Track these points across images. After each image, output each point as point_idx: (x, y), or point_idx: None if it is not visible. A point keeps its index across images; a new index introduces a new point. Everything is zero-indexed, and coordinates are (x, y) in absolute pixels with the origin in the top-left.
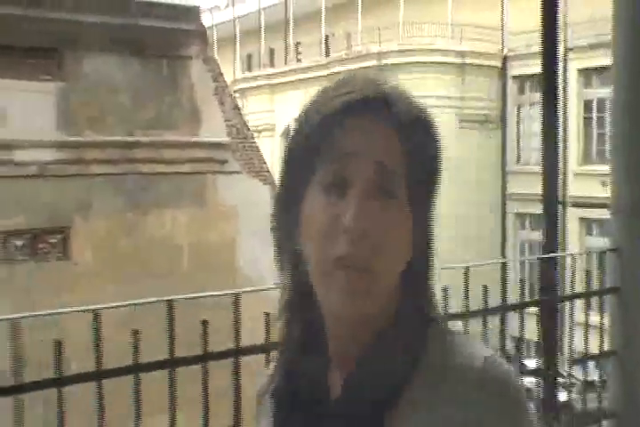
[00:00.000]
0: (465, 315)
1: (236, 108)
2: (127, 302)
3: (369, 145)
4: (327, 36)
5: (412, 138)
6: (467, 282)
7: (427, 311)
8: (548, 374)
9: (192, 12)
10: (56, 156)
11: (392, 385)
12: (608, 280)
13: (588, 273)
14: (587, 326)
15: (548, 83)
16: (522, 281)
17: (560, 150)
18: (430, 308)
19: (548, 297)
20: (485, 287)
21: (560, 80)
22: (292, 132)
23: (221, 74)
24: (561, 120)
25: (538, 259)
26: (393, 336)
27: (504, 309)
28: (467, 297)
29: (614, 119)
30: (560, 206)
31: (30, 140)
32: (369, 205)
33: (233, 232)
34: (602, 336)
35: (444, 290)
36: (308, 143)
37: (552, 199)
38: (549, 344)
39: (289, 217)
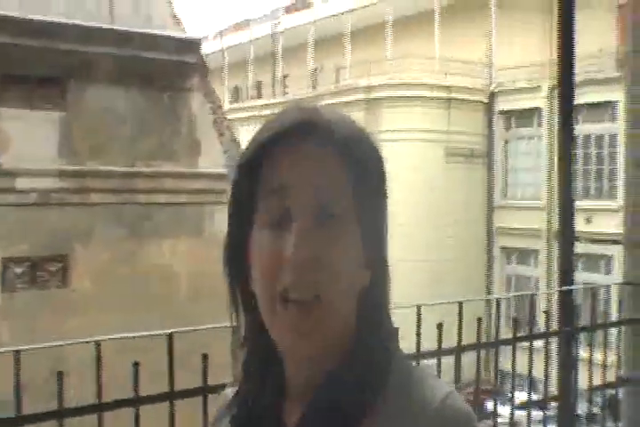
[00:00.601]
0: (459, 349)
1: (234, 139)
2: (132, 334)
3: (304, 172)
4: (315, 69)
5: (350, 154)
6: (460, 317)
7: (386, 344)
8: (567, 406)
9: (193, 45)
10: (58, 184)
11: (348, 421)
12: (614, 312)
13: (593, 307)
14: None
15: (564, 118)
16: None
17: (547, 185)
18: (390, 340)
19: (568, 328)
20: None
21: (546, 116)
22: (234, 172)
23: (220, 106)
24: (548, 156)
25: (558, 291)
26: (349, 371)
27: (497, 343)
28: (460, 332)
29: (632, 159)
30: (545, 242)
31: (32, 168)
32: (311, 233)
33: None
34: (597, 370)
35: (440, 326)
36: (246, 180)
37: (568, 233)
38: (566, 376)
39: (237, 258)
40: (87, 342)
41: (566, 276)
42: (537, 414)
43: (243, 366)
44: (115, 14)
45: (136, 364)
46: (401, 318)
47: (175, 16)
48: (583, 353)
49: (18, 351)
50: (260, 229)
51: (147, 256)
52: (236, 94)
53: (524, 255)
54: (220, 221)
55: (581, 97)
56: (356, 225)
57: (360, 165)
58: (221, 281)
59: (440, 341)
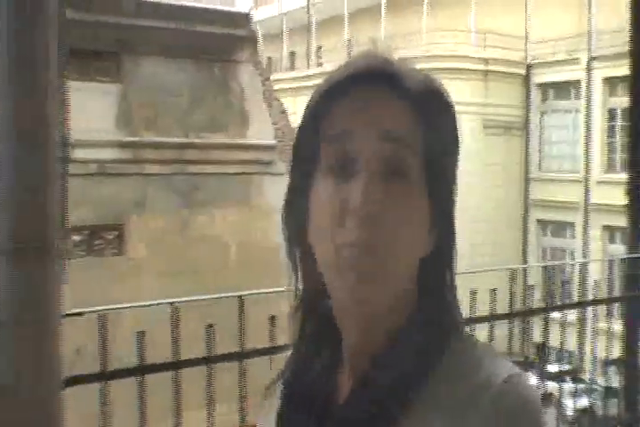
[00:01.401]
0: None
1: (283, 111)
2: (204, 297)
3: (374, 118)
4: (349, 41)
5: (426, 109)
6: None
7: (446, 316)
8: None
9: (245, 18)
10: (114, 155)
11: (402, 394)
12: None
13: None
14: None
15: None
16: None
17: (584, 158)
18: (451, 312)
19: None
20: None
21: (584, 89)
22: (300, 118)
23: (269, 78)
24: (584, 128)
25: (623, 259)
26: (407, 341)
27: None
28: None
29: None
30: (582, 214)
31: (90, 139)
32: (377, 185)
33: (277, 231)
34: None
35: (473, 293)
36: (311, 125)
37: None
38: (633, 342)
39: (298, 208)
40: (159, 305)
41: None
42: (570, 386)
43: (298, 329)
44: None
45: (210, 326)
46: None
47: None
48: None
49: (103, 314)
50: (323, 176)
51: (198, 226)
52: (269, 66)
53: (560, 228)
54: (268, 191)
55: (619, 69)
56: (424, 186)
57: (433, 121)
58: (268, 251)
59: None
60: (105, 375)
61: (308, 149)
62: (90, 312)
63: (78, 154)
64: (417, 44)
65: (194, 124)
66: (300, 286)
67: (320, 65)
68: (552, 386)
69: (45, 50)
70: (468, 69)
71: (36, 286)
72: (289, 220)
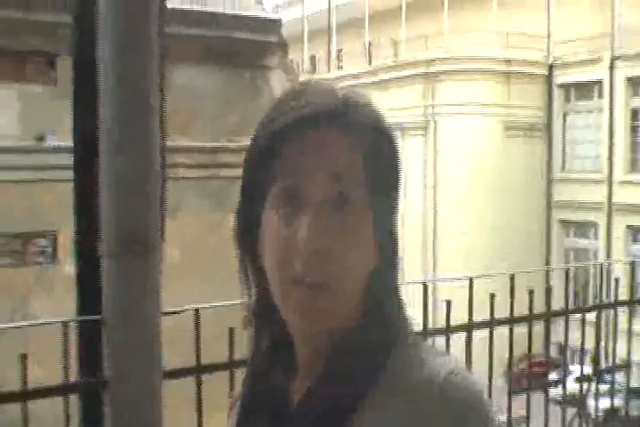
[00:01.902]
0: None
1: None
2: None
3: (320, 157)
4: (370, 44)
5: (369, 144)
6: (512, 289)
7: (392, 321)
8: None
9: (275, 25)
10: None
11: (352, 396)
12: None
13: None
14: (630, 333)
15: None
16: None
17: (607, 158)
18: (397, 318)
19: None
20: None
21: (607, 88)
22: (247, 151)
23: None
24: (607, 128)
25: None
26: (352, 350)
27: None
28: (512, 303)
29: None
30: (605, 215)
31: None
32: (323, 221)
33: None
34: None
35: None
36: (259, 161)
37: None
38: None
39: (249, 236)
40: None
41: None
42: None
43: (252, 342)
44: None
45: (231, 329)
46: (459, 289)
47: None
48: None
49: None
50: (272, 213)
51: (230, 228)
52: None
53: (583, 228)
54: None
55: None
56: (369, 213)
57: (376, 155)
58: None
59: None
60: (199, 369)
61: (257, 186)
62: (185, 310)
63: None
64: (438, 45)
65: (225, 128)
66: (253, 302)
67: (340, 68)
68: (574, 386)
69: (148, 59)
70: (490, 71)
71: (140, 286)
72: (241, 246)
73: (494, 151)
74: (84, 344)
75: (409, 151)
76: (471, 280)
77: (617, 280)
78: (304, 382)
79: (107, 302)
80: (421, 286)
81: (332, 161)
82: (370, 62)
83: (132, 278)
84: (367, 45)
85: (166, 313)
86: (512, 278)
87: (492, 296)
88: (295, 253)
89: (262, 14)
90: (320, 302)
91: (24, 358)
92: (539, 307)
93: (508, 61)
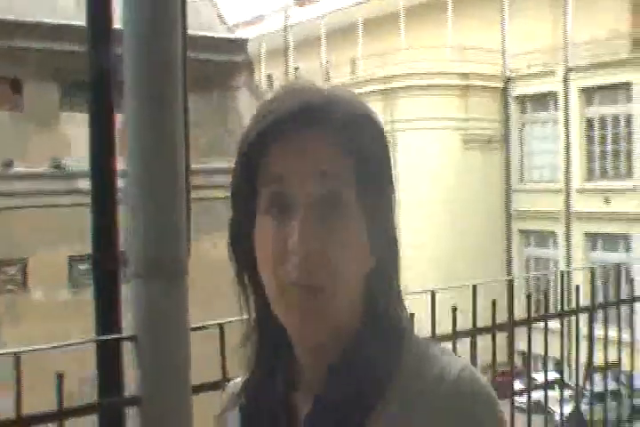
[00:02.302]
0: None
1: None
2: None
3: (308, 159)
4: (327, 62)
5: (357, 142)
6: (474, 300)
7: (396, 323)
8: None
9: (241, 45)
10: (120, 184)
11: (363, 404)
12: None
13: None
14: (591, 338)
15: None
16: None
17: (564, 168)
18: (400, 319)
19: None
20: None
21: (562, 99)
22: (234, 160)
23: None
24: (564, 138)
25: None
26: (359, 354)
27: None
28: (474, 314)
29: None
30: (563, 224)
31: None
32: (313, 224)
33: None
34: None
35: (454, 309)
36: (247, 167)
37: None
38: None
39: (243, 246)
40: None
41: None
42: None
43: (253, 354)
44: None
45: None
46: (418, 302)
47: (221, 17)
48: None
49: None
50: (263, 218)
51: (202, 252)
52: (270, 83)
53: (543, 237)
54: None
55: (597, 79)
56: (361, 212)
57: (362, 150)
58: None
59: (454, 324)
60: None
61: (247, 192)
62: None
63: (82, 184)
64: (395, 62)
65: (195, 150)
66: (253, 314)
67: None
68: (539, 394)
69: (175, 75)
70: (448, 85)
71: (169, 304)
72: (237, 257)
73: (453, 164)
74: (105, 364)
75: None
76: (433, 293)
77: (577, 287)
78: (308, 393)
79: (137, 322)
80: (428, 294)
81: (318, 159)
82: (327, 80)
83: (160, 297)
84: (324, 63)
85: (194, 329)
86: (474, 289)
87: (454, 310)
88: (286, 257)
89: (228, 35)
90: (316, 305)
91: (60, 377)
92: (501, 317)
93: (464, 75)
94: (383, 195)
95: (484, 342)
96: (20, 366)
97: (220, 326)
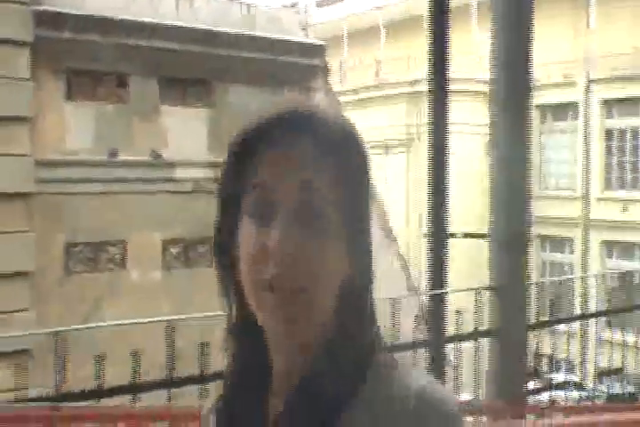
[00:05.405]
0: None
1: None
2: None
3: (292, 166)
4: (341, 63)
5: (340, 156)
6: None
7: (366, 339)
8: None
9: (319, 49)
10: (208, 174)
11: (329, 413)
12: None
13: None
14: (611, 342)
15: None
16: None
17: (582, 177)
18: (370, 335)
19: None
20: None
21: (583, 110)
22: (224, 162)
23: (340, 104)
24: (583, 149)
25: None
26: (330, 362)
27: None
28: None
29: None
30: (581, 230)
31: (187, 160)
32: (293, 229)
33: None
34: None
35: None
36: (234, 171)
37: None
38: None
39: (226, 246)
40: None
41: None
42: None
43: (230, 357)
44: (253, 23)
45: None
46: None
47: (302, 23)
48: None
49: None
50: (246, 220)
51: None
52: None
53: (559, 243)
54: None
55: (618, 91)
56: (340, 221)
57: (346, 162)
58: None
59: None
60: None
61: (232, 195)
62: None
63: (177, 173)
64: (421, 66)
65: None
66: (233, 313)
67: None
68: (558, 394)
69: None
70: (474, 91)
71: (517, 267)
72: (219, 257)
73: (477, 169)
74: (434, 313)
75: (392, 167)
76: (444, 294)
77: (593, 293)
78: (279, 397)
79: (496, 277)
80: (438, 297)
81: (303, 167)
82: (341, 81)
83: (512, 261)
84: (342, 65)
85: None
86: (478, 293)
87: (458, 313)
88: (265, 260)
89: (308, 40)
90: (293, 306)
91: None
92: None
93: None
94: (363, 207)
95: None
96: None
97: None
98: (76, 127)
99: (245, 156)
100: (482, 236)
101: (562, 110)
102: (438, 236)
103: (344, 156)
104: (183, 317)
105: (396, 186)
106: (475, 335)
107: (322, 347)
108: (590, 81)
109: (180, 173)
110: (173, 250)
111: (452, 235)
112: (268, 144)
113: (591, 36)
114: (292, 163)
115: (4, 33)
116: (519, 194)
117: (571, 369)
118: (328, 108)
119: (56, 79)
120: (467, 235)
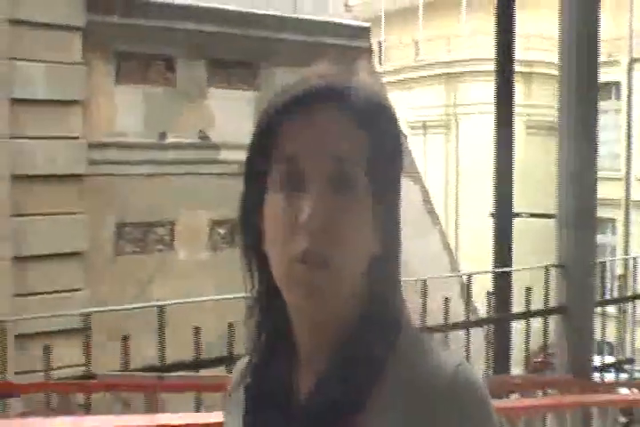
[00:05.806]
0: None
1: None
2: None
3: (322, 138)
4: (381, 43)
5: (371, 126)
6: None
7: (394, 316)
8: None
9: (364, 31)
10: None
11: (360, 390)
12: None
13: None
14: None
15: None
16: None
17: (625, 156)
18: (398, 312)
19: None
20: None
21: (625, 89)
22: (251, 135)
23: (384, 86)
24: (626, 129)
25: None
26: (359, 336)
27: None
28: (547, 296)
29: None
30: (623, 211)
31: (232, 141)
32: (325, 200)
33: None
34: None
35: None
36: (262, 143)
37: None
38: None
39: (252, 221)
40: None
41: None
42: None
43: (254, 332)
44: (297, 5)
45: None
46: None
47: (347, 5)
48: None
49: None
50: (275, 194)
51: None
52: None
53: (601, 224)
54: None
55: None
56: (370, 196)
57: (378, 136)
58: None
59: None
60: None
61: (260, 167)
62: None
63: (222, 155)
64: (459, 46)
65: None
66: (256, 290)
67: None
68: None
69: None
70: (517, 72)
71: (587, 246)
72: (245, 231)
73: (515, 149)
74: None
75: (431, 148)
76: (469, 276)
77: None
78: (308, 373)
79: (563, 255)
80: (465, 278)
81: (333, 140)
82: (380, 62)
83: (581, 239)
84: (378, 44)
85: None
86: (547, 270)
87: (489, 294)
88: (296, 233)
89: (353, 22)
90: (320, 280)
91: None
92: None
93: (528, 63)
94: (393, 182)
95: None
96: None
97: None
98: (125, 110)
99: (274, 128)
100: (548, 216)
101: (605, 90)
102: (504, 215)
103: (376, 130)
104: (231, 296)
105: (435, 167)
106: (543, 312)
107: (347, 326)
108: (633, 60)
109: (226, 154)
110: (220, 231)
111: (518, 214)
112: (297, 115)
113: (635, 14)
114: (322, 134)
115: (57, 18)
116: (587, 172)
117: (611, 351)
118: (362, 80)
119: (106, 63)
120: (532, 215)
